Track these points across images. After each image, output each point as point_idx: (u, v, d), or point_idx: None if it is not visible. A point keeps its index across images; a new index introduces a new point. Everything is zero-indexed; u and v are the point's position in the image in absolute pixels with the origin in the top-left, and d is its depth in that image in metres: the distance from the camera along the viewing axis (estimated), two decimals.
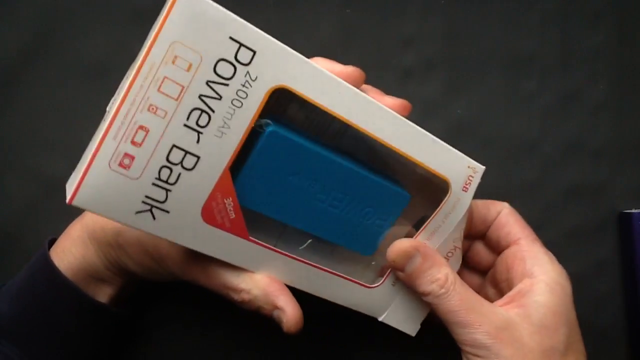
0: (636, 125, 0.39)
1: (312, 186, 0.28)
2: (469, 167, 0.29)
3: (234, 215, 0.26)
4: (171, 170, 0.24)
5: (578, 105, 0.39)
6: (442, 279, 0.28)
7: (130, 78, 0.23)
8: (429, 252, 0.29)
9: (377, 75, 0.39)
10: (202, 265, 0.27)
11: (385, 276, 0.30)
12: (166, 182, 0.24)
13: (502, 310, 0.28)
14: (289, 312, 0.27)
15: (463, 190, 0.30)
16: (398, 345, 0.38)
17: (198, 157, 0.24)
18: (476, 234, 0.33)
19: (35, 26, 0.37)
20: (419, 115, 0.39)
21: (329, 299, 0.29)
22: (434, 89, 0.39)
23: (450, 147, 0.29)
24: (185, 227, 0.25)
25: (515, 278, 0.30)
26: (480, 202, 0.33)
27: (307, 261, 0.28)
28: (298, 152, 0.27)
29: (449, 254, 0.31)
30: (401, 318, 0.31)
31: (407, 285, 0.30)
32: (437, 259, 0.29)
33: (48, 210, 0.37)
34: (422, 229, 0.30)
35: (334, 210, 0.29)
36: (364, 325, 0.38)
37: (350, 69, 0.28)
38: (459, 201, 0.30)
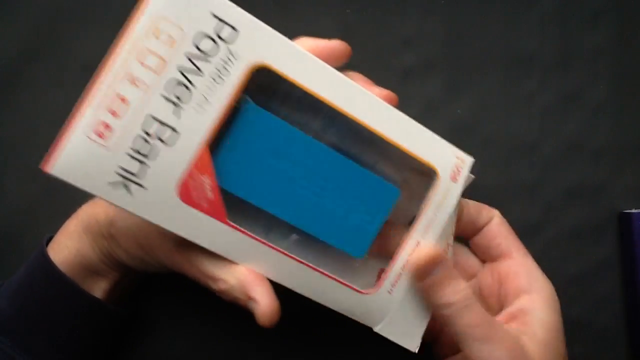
0: (636, 125, 0.39)
1: (293, 170, 0.27)
2: (457, 157, 0.29)
3: (212, 196, 0.25)
4: (149, 144, 0.24)
5: (578, 105, 0.39)
6: (466, 289, 0.28)
7: (113, 50, 0.23)
8: (450, 263, 0.28)
9: (377, 75, 0.39)
10: (186, 254, 0.27)
11: (379, 281, 0.29)
12: (142, 154, 0.24)
13: (509, 328, 0.28)
14: (263, 304, 0.26)
15: (452, 179, 0.29)
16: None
17: (177, 132, 0.24)
18: (464, 235, 0.33)
19: (35, 26, 0.37)
20: (419, 115, 0.39)
21: (316, 300, 0.28)
22: (434, 89, 0.39)
23: (438, 137, 0.28)
24: (161, 205, 0.25)
25: (510, 293, 0.30)
26: (472, 204, 0.32)
27: (292, 255, 0.27)
28: (279, 131, 0.27)
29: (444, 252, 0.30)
30: (399, 330, 0.29)
31: (424, 294, 0.28)
32: (454, 270, 0.28)
33: (48, 210, 0.37)
34: (415, 223, 0.29)
35: (316, 198, 0.28)
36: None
37: (334, 43, 0.28)
38: (449, 193, 0.29)
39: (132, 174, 0.24)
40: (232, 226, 0.26)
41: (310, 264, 0.28)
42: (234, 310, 0.38)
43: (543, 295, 0.29)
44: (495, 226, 0.31)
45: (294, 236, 0.29)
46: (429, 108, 0.39)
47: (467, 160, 0.29)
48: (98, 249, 0.31)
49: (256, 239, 0.27)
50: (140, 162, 0.24)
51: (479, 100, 0.39)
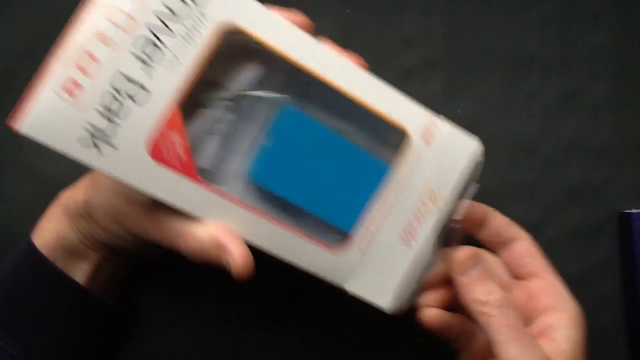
0: (636, 125, 0.39)
1: (322, 164, 0.29)
2: (428, 119, 0.29)
3: (184, 155, 0.26)
4: (119, 102, 0.24)
5: (578, 105, 0.39)
6: (500, 292, 0.28)
7: (83, 8, 0.23)
8: (491, 265, 0.30)
9: (377, 75, 0.39)
10: (156, 218, 0.27)
11: (350, 239, 0.29)
12: (112, 112, 0.24)
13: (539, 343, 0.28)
14: (237, 255, 0.26)
15: (424, 141, 0.29)
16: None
17: (148, 91, 0.24)
18: (490, 247, 0.33)
19: (35, 26, 0.37)
20: None
21: (287, 259, 0.28)
22: (434, 89, 0.39)
23: (409, 99, 0.28)
24: (133, 164, 0.25)
25: (537, 310, 0.31)
26: (500, 217, 0.33)
27: (265, 213, 0.27)
28: (314, 131, 0.28)
29: (422, 212, 0.29)
30: (370, 287, 0.29)
31: (461, 290, 0.29)
32: (494, 276, 0.29)
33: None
34: (387, 185, 0.29)
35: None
36: (368, 330, 0.38)
37: (297, 15, 0.28)
38: (424, 156, 0.29)
39: (101, 131, 0.24)
40: (203, 184, 0.26)
41: (282, 221, 0.27)
42: (234, 310, 0.38)
43: (569, 314, 0.30)
44: (526, 246, 0.32)
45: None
46: (429, 108, 0.39)
47: (440, 124, 0.29)
48: (77, 229, 0.31)
49: (227, 196, 0.27)
50: (110, 120, 0.24)
51: (479, 100, 0.39)
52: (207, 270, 0.38)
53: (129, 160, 0.25)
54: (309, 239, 0.28)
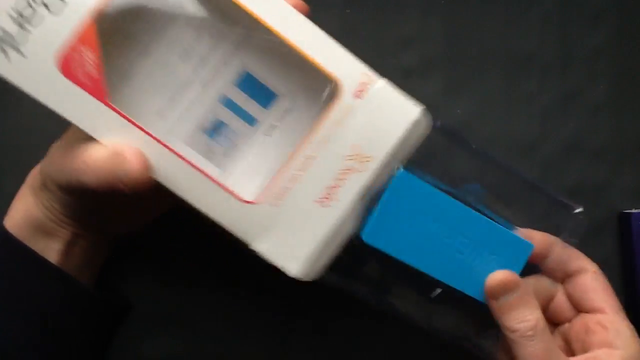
0: (636, 125, 0.39)
1: (437, 228, 0.30)
2: (367, 76, 0.27)
3: (95, 73, 0.25)
4: (33, 8, 0.24)
5: (578, 105, 0.39)
6: (532, 320, 0.28)
7: None
8: (526, 290, 0.29)
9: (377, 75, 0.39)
10: (69, 152, 0.27)
11: (263, 192, 0.27)
12: (24, 17, 0.24)
13: None
14: (132, 157, 0.25)
15: (355, 96, 0.27)
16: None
17: (63, 1, 0.24)
18: (554, 277, 0.33)
19: None
20: None
21: (193, 203, 0.26)
22: (434, 89, 0.39)
23: (347, 52, 0.27)
24: (40, 76, 0.24)
25: (594, 343, 0.30)
26: (561, 247, 0.32)
27: (177, 152, 0.26)
28: (427, 195, 0.29)
29: (346, 172, 0.28)
30: (279, 250, 0.27)
31: (495, 315, 0.29)
32: (532, 301, 0.29)
33: None
34: (308, 135, 0.27)
35: (459, 255, 0.30)
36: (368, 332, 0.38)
37: None
38: (354, 112, 0.27)
39: (11, 36, 0.24)
40: (112, 108, 0.25)
41: (193, 163, 0.26)
42: (234, 310, 0.38)
43: (623, 354, 0.30)
44: (591, 280, 0.32)
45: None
46: (429, 108, 0.39)
47: (377, 81, 0.27)
48: (41, 204, 0.31)
49: (137, 126, 0.26)
50: (21, 26, 0.24)
51: (479, 100, 0.39)
52: (205, 268, 0.38)
53: (36, 72, 0.24)
54: (218, 184, 0.26)
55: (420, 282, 0.31)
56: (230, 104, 0.30)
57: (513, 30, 0.39)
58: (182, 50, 0.29)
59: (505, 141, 0.39)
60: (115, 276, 0.38)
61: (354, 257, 0.30)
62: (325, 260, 0.28)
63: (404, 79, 0.39)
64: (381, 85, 0.27)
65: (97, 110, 0.25)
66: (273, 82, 0.30)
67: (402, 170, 0.29)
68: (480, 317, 0.31)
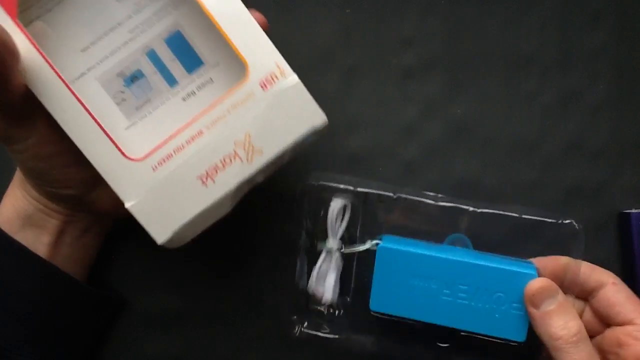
0: (636, 125, 0.39)
1: (434, 285, 0.32)
2: (277, 65, 0.27)
3: None
4: None
5: (578, 105, 0.39)
6: (575, 326, 0.28)
7: None
8: (565, 298, 0.30)
9: (377, 75, 0.39)
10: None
11: (146, 154, 0.27)
12: None
13: None
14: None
15: (261, 86, 0.27)
16: None
17: None
18: (579, 297, 0.33)
19: None
20: (419, 115, 0.39)
21: (79, 146, 0.26)
22: (434, 89, 0.39)
23: (269, 42, 0.27)
24: None
25: (628, 356, 0.30)
26: (581, 265, 0.32)
27: (78, 98, 0.26)
28: (411, 259, 0.32)
29: (232, 157, 0.27)
30: (151, 215, 0.27)
31: (537, 325, 0.29)
32: (571, 308, 0.29)
33: None
34: (203, 110, 0.27)
35: (463, 302, 0.32)
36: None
37: None
38: (254, 97, 0.27)
39: None
40: (21, 28, 0.25)
41: (92, 114, 0.26)
42: (234, 310, 0.38)
43: None
44: (613, 293, 0.32)
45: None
46: (429, 108, 0.39)
47: (289, 77, 0.27)
48: (29, 195, 0.31)
49: (42, 55, 0.26)
50: None
51: (479, 100, 0.39)
52: (205, 269, 0.38)
53: None
54: (108, 136, 0.26)
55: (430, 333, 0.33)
56: (154, 58, 0.30)
57: (513, 30, 0.39)
58: None
59: (505, 141, 0.39)
60: (115, 276, 0.38)
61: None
62: (191, 235, 0.28)
63: (404, 79, 0.39)
64: (292, 82, 0.27)
65: (5, 26, 0.25)
66: (202, 49, 0.30)
67: (381, 243, 0.32)
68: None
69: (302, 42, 0.38)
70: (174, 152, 0.27)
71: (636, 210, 0.38)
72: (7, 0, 0.25)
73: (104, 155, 0.27)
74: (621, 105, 0.39)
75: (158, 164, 0.27)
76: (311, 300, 0.35)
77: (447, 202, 0.34)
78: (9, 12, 0.25)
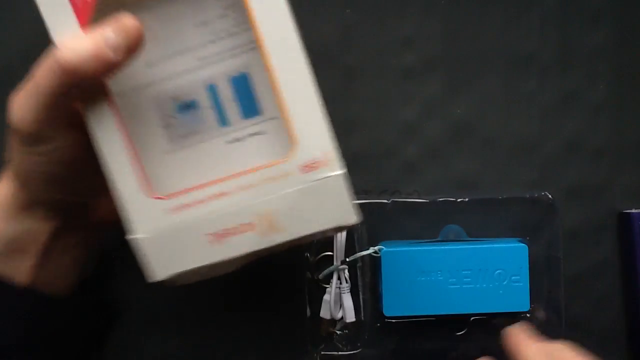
0: (636, 125, 0.39)
1: (440, 276, 0.35)
2: (324, 152, 0.26)
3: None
4: None
5: (578, 105, 0.39)
6: None
7: None
8: None
9: (377, 75, 0.39)
10: (64, 44, 0.27)
11: (167, 196, 0.26)
12: None
13: None
14: (126, 19, 0.25)
15: (301, 168, 0.26)
16: None
17: None
18: None
19: (35, 26, 0.37)
20: (419, 115, 0.39)
21: (103, 159, 0.26)
22: (434, 89, 0.39)
23: (325, 124, 0.26)
24: None
25: None
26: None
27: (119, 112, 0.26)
28: (413, 256, 0.35)
29: (248, 226, 0.27)
30: (152, 256, 0.27)
31: None
32: None
33: None
34: (237, 173, 0.27)
35: (469, 286, 0.35)
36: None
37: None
38: (289, 178, 0.26)
39: None
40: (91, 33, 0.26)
41: (130, 138, 0.26)
42: (233, 310, 0.38)
43: None
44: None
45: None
46: (429, 108, 0.39)
47: (337, 171, 0.26)
48: (9, 214, 0.30)
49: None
50: None
51: (479, 100, 0.39)
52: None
53: None
54: (139, 166, 0.26)
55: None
56: (214, 93, 0.29)
57: (513, 30, 0.39)
58: (203, 20, 0.28)
59: (505, 141, 0.39)
60: (114, 276, 0.38)
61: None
62: (186, 282, 0.28)
63: (404, 79, 0.39)
64: (336, 175, 0.26)
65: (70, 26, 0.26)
66: (264, 100, 0.29)
67: (383, 249, 0.35)
68: None
69: (302, 42, 0.38)
70: (196, 203, 0.27)
71: (636, 210, 0.38)
72: (81, 9, 0.25)
73: (128, 182, 0.26)
74: (621, 105, 0.40)
75: (177, 209, 0.27)
76: (324, 324, 0.37)
77: (433, 198, 0.38)
78: (82, 21, 0.25)
